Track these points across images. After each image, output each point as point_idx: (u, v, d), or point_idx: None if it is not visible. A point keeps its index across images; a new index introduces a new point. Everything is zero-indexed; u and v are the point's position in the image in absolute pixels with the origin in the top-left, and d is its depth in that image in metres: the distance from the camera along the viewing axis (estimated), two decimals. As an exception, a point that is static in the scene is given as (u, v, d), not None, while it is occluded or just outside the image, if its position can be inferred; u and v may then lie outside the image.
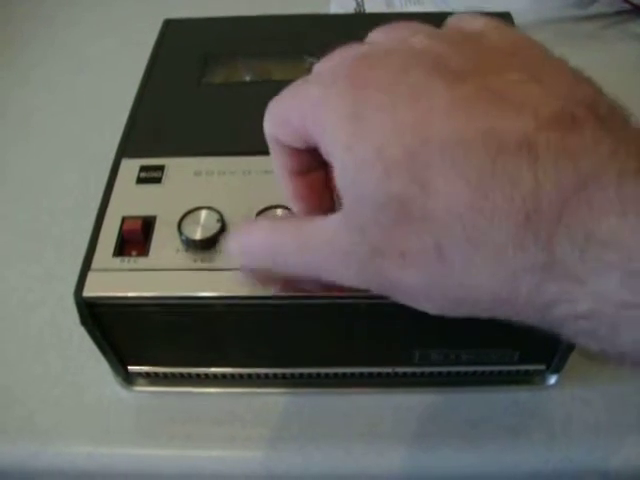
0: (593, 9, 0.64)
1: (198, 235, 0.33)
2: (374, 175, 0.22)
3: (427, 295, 0.24)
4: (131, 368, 0.38)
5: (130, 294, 0.32)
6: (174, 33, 0.48)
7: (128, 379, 0.39)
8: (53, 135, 0.57)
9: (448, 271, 0.22)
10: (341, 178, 0.24)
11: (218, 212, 0.34)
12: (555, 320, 0.21)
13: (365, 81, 0.24)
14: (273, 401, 0.39)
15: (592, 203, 0.19)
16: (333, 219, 0.25)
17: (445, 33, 0.26)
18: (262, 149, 0.38)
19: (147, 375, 0.39)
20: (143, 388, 0.40)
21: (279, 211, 0.34)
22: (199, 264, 0.33)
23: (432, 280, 0.23)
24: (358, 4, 0.63)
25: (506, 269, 0.21)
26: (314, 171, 0.29)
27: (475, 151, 0.21)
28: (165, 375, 0.39)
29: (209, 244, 0.33)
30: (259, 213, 0.34)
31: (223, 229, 0.33)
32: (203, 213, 0.34)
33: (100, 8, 0.72)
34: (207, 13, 0.49)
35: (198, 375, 0.38)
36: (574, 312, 0.20)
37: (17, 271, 0.47)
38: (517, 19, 0.47)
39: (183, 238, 0.33)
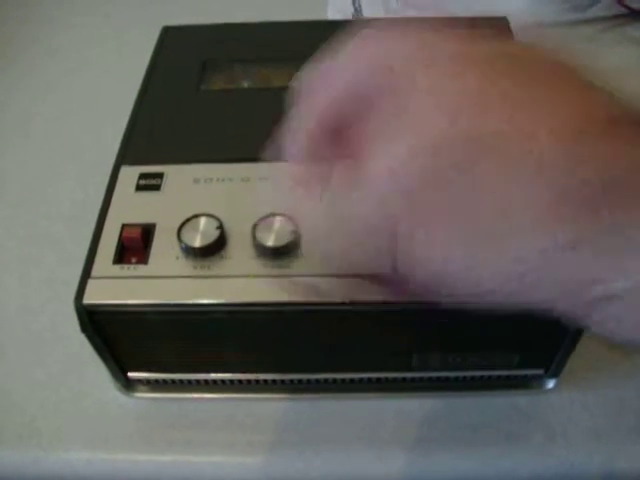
0: (590, 13, 0.64)
1: (197, 242, 0.33)
2: None
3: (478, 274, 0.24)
4: (131, 374, 0.38)
5: (130, 301, 0.32)
6: (173, 40, 0.48)
7: (128, 385, 0.39)
8: (51, 139, 0.57)
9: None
10: None
11: (217, 219, 0.34)
12: (588, 303, 0.22)
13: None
14: (273, 407, 0.39)
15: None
16: None
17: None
18: (260, 156, 0.38)
19: (147, 381, 0.39)
20: (143, 394, 0.40)
21: (278, 218, 0.34)
22: (199, 271, 0.33)
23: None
24: (356, 9, 0.64)
25: (549, 240, 0.21)
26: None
27: None
28: (165, 381, 0.39)
29: (209, 251, 0.33)
30: (258, 221, 0.34)
31: (222, 236, 0.33)
32: (202, 220, 0.34)
33: (98, 12, 0.72)
34: (204, 20, 0.50)
35: (198, 381, 0.39)
36: (612, 291, 0.21)
37: (17, 276, 0.47)
38: (514, 23, 0.47)
39: (183, 245, 0.33)
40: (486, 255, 0.23)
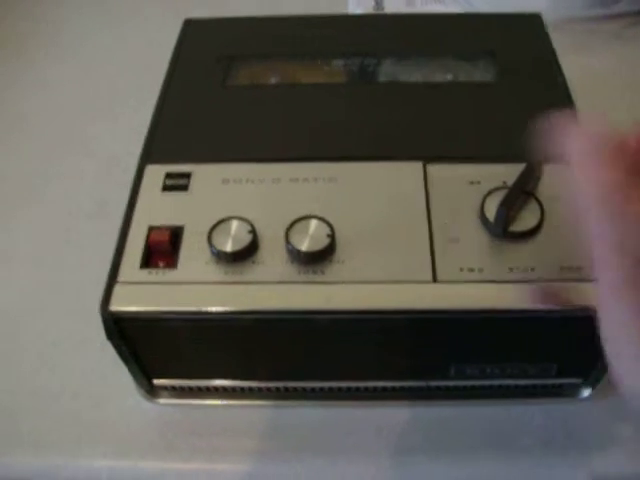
0: (616, 8, 0.63)
1: (229, 247, 0.32)
2: None
3: None
4: (156, 381, 0.37)
5: (159, 308, 0.31)
6: (195, 33, 0.46)
7: (152, 391, 0.38)
8: (68, 135, 0.56)
9: None
10: None
11: (249, 223, 0.32)
12: None
13: None
14: (302, 414, 0.38)
15: None
16: None
17: None
18: (290, 156, 0.36)
19: (172, 387, 0.38)
20: (167, 400, 0.39)
21: (313, 222, 0.32)
22: (230, 277, 0.32)
23: None
24: (377, 2, 0.62)
25: None
26: None
27: None
28: (190, 387, 0.38)
29: (240, 256, 0.32)
30: (292, 224, 0.32)
31: (255, 240, 0.32)
32: (234, 224, 0.32)
33: (96, 8, 0.70)
34: (221, 13, 0.48)
35: (224, 388, 0.37)
36: None
37: (34, 278, 0.46)
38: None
39: (213, 250, 0.32)
40: None
